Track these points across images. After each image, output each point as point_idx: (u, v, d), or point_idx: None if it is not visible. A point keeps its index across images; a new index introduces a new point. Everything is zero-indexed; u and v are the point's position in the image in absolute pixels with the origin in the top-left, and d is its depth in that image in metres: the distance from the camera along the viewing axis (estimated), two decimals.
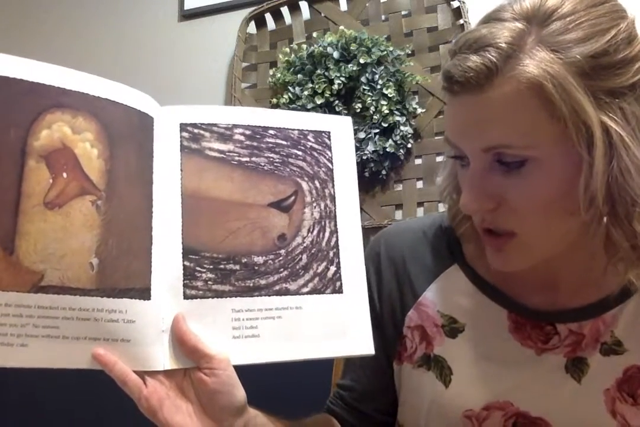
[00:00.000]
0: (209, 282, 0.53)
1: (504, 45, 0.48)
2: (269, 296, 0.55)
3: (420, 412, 0.62)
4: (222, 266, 0.54)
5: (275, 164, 0.58)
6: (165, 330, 0.50)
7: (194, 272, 0.53)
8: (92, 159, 0.49)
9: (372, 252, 0.70)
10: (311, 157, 0.60)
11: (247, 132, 0.58)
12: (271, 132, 0.59)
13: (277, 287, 0.55)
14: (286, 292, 0.55)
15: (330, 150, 0.60)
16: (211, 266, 0.54)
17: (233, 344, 0.53)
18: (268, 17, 1.57)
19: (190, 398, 0.50)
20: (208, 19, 1.64)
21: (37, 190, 0.46)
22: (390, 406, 0.68)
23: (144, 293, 0.49)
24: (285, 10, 1.55)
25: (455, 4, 1.41)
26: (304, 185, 0.59)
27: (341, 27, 1.44)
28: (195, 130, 0.56)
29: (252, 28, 1.58)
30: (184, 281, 0.52)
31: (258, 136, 0.58)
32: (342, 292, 0.57)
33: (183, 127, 0.56)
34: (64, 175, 0.47)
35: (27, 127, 0.47)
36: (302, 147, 0.60)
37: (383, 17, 1.49)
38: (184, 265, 0.53)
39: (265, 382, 0.73)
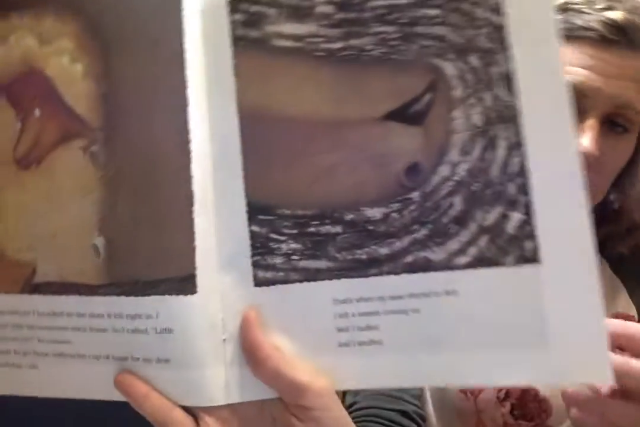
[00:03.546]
0: (294, 257, 0.31)
1: None
2: (397, 273, 0.30)
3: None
4: (312, 229, 0.32)
5: (390, 42, 0.32)
6: (227, 339, 0.31)
7: (268, 242, 0.32)
8: (76, 79, 0.31)
9: None
10: (458, 13, 0.32)
11: None
12: None
13: (409, 259, 0.30)
14: (426, 267, 0.30)
15: None
16: (295, 230, 0.32)
17: (338, 357, 0.30)
18: None
19: None
20: None
21: (0, 140, 0.30)
22: None
23: (186, 283, 0.30)
24: None
25: None
26: (448, 68, 0.31)
27: None
28: (253, 8, 0.33)
29: None
30: (252, 257, 0.32)
31: (357, 0, 0.32)
32: (537, 260, 0.29)
33: (233, 5, 0.33)
34: (36, 113, 0.30)
35: None
36: (438, 1, 0.32)
37: None
38: (251, 231, 0.32)
39: None
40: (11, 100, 0.31)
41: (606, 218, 0.61)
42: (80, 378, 0.32)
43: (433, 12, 0.33)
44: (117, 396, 0.31)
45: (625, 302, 0.62)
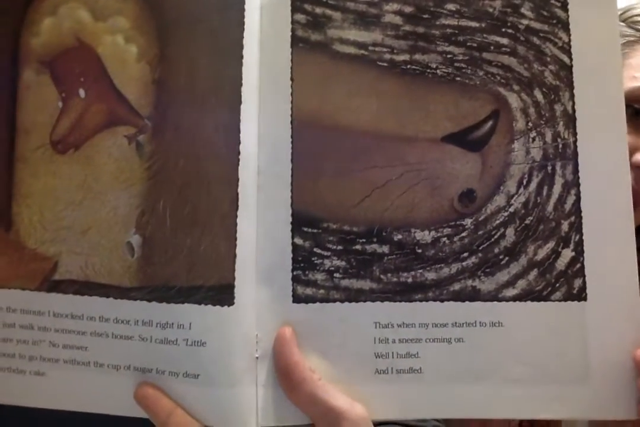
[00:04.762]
0: (336, 275, 0.30)
1: None
2: (442, 301, 0.29)
3: None
4: (358, 247, 0.30)
5: (456, 64, 0.31)
6: (260, 357, 0.28)
7: (311, 257, 0.30)
8: (129, 62, 0.28)
9: None
10: (527, 46, 0.31)
11: (408, 8, 0.31)
12: (450, 6, 0.31)
13: (457, 287, 0.29)
14: (474, 296, 0.29)
15: (566, 29, 0.31)
16: (340, 246, 0.30)
17: (374, 385, 0.29)
18: None
19: None
20: None
21: (39, 121, 0.27)
22: None
23: (224, 294, 0.28)
24: None
25: None
26: (512, 99, 0.31)
27: None
28: (318, 9, 0.31)
29: None
30: (293, 271, 0.29)
31: (427, 15, 0.31)
32: (584, 298, 0.29)
33: (296, 4, 0.31)
34: (81, 93, 0.27)
35: (19, 14, 0.27)
36: (510, 30, 0.31)
37: None
38: (293, 244, 0.30)
39: None
40: (54, 77, 0.28)
41: None
42: (95, 389, 0.28)
43: (503, 40, 0.32)
44: (136, 412, 0.28)
45: None
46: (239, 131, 0.30)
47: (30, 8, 0.28)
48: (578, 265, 0.30)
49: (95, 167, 0.28)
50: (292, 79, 0.32)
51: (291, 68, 0.32)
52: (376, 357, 0.30)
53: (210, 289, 0.28)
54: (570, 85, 0.32)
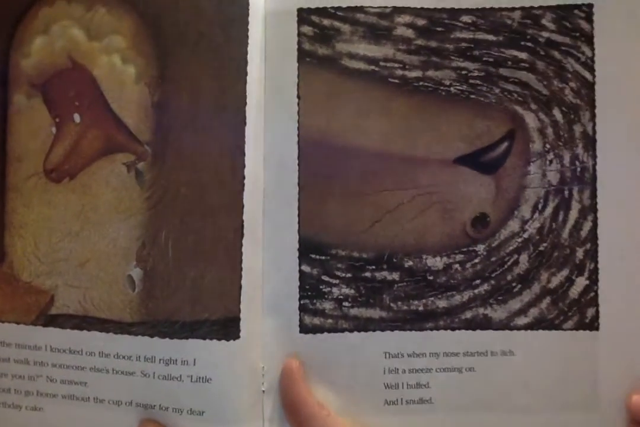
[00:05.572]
0: (345, 303, 0.29)
1: None
2: (453, 329, 0.29)
3: None
4: (367, 274, 0.29)
5: (471, 80, 0.29)
6: (266, 391, 0.27)
7: (319, 285, 0.29)
8: (127, 84, 0.26)
9: None
10: (547, 61, 0.30)
11: (421, 21, 0.29)
12: (465, 18, 0.29)
13: (468, 315, 0.29)
14: (485, 324, 0.29)
15: (590, 43, 0.29)
16: (349, 274, 0.29)
17: (384, 416, 0.28)
18: None
19: None
20: None
21: (31, 148, 0.26)
22: None
23: (229, 327, 0.27)
24: None
25: None
26: (529, 118, 0.29)
27: None
28: (325, 21, 0.29)
29: None
30: (300, 300, 0.28)
31: (440, 28, 0.30)
32: (596, 328, 0.28)
33: (303, 16, 0.29)
34: (76, 118, 0.25)
35: (7, 33, 0.25)
36: (529, 43, 0.30)
37: None
38: (300, 271, 0.29)
39: None
40: (47, 101, 0.26)
41: None
42: (95, 425, 0.28)
43: (521, 55, 0.31)
44: None
45: None
46: (243, 154, 0.29)
47: (20, 26, 0.26)
48: (592, 294, 0.30)
49: (93, 197, 0.27)
50: (298, 96, 0.30)
51: (297, 84, 0.30)
52: (386, 388, 0.29)
53: (214, 323, 0.27)
54: (591, 105, 0.30)
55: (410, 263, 0.30)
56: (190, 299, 0.27)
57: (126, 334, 0.27)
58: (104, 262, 0.27)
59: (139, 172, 0.27)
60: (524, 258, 0.30)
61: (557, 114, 0.30)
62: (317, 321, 0.30)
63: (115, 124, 0.27)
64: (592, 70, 0.30)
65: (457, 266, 0.30)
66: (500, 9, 0.30)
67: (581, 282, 0.30)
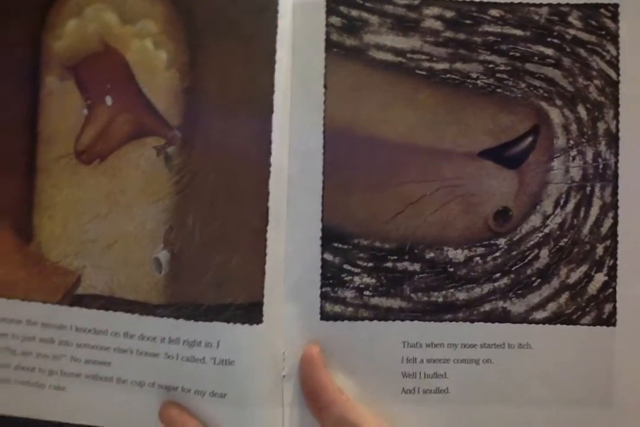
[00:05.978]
0: (366, 292, 0.29)
1: None
2: (472, 321, 0.29)
3: None
4: (389, 264, 0.29)
5: (498, 75, 0.30)
6: (286, 376, 0.28)
7: (340, 274, 0.29)
8: (158, 68, 0.26)
9: None
10: (573, 58, 0.30)
11: (449, 13, 0.30)
12: (494, 12, 0.30)
13: (487, 307, 0.29)
14: (504, 317, 0.29)
15: (615, 42, 0.29)
16: (370, 263, 0.29)
17: (401, 404, 0.29)
18: None
19: None
20: None
21: (62, 129, 0.25)
22: None
23: (252, 311, 0.27)
24: None
25: None
26: (554, 114, 0.30)
27: None
28: (354, 12, 0.30)
29: None
30: (322, 288, 0.29)
31: (469, 21, 0.30)
32: (614, 324, 0.29)
33: (331, 6, 0.29)
34: (107, 101, 0.25)
35: (39, 15, 0.25)
36: (556, 40, 0.30)
37: None
38: (323, 260, 0.29)
39: None
40: (79, 83, 0.26)
41: None
42: (117, 405, 0.28)
43: (548, 51, 0.31)
44: None
45: None
46: (270, 142, 0.29)
47: (52, 9, 0.26)
48: (610, 290, 0.30)
49: (122, 180, 0.27)
50: (325, 86, 0.30)
51: (325, 74, 0.30)
52: (403, 377, 0.30)
53: (238, 307, 0.28)
54: (615, 103, 0.30)
55: (432, 255, 0.30)
56: (216, 283, 0.27)
57: (151, 316, 0.27)
58: (131, 244, 0.27)
59: (168, 156, 0.27)
60: (544, 253, 0.30)
61: (581, 110, 0.31)
62: (337, 308, 0.30)
63: (146, 107, 0.27)
64: (616, 68, 0.30)
65: (477, 258, 0.30)
66: (528, 4, 0.31)
67: (600, 278, 0.30)
